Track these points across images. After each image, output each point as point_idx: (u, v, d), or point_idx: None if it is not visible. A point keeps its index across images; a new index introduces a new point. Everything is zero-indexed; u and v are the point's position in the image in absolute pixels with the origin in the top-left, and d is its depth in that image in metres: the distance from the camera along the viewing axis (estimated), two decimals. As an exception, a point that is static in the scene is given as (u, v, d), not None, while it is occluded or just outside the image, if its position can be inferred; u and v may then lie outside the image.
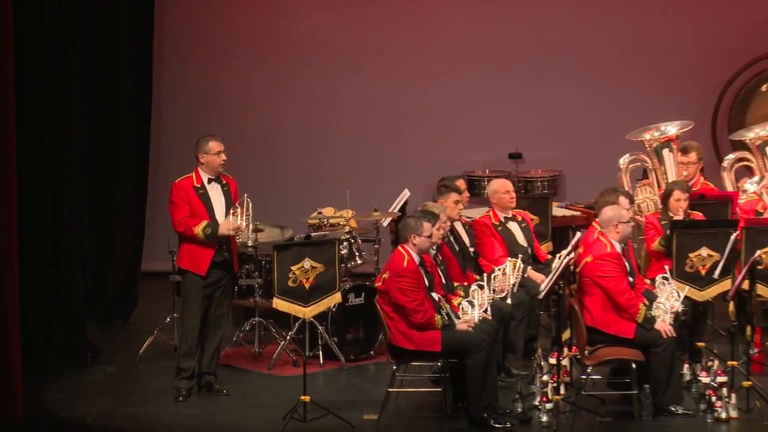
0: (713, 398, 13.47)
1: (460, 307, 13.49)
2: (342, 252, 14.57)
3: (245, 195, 13.92)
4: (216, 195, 14.07)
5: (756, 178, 15.46)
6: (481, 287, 13.70)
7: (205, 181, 14.10)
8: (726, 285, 13.87)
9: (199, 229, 13.89)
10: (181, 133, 17.21)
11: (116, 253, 16.78)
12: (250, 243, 14.11)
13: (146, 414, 13.89)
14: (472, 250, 14.66)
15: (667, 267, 13.97)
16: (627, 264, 13.63)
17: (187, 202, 13.98)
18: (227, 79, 18.56)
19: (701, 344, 14.42)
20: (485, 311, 13.55)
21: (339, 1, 18.57)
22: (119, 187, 16.93)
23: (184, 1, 18.50)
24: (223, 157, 14.08)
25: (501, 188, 15.01)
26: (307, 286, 13.51)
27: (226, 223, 13.81)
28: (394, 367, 13.58)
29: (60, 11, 15.34)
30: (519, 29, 18.39)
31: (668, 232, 14.22)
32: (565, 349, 13.78)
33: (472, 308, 13.48)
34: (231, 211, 13.89)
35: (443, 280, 13.75)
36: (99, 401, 14.25)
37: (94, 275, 16.12)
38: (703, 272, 13.93)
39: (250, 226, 14.00)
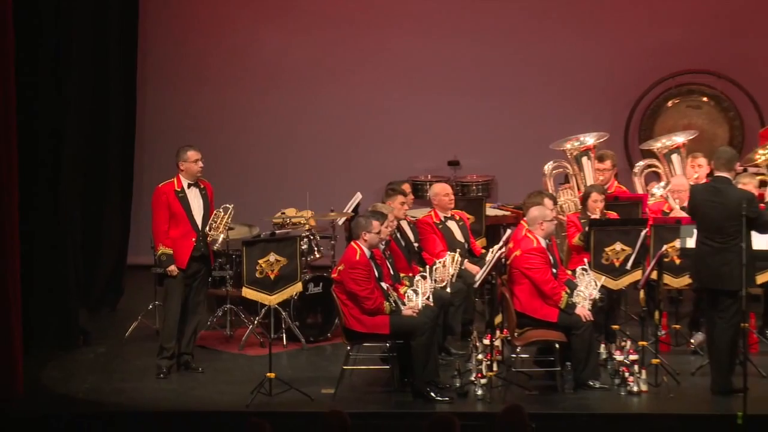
0: (626, 374, 13.55)
1: (406, 295, 13.54)
2: (302, 247, 14.55)
3: (231, 205, 14.05)
4: (194, 198, 14.14)
5: (662, 183, 15.58)
6: (424, 278, 13.80)
7: (185, 186, 14.14)
8: (637, 275, 13.99)
9: (160, 252, 14.04)
10: (162, 142, 17.05)
11: (105, 248, 16.69)
12: (217, 246, 14.16)
13: (131, 389, 13.90)
14: (416, 245, 14.69)
15: (586, 260, 14.06)
16: (551, 257, 13.71)
17: (167, 208, 14.03)
18: (202, 95, 18.50)
19: (615, 327, 14.52)
20: (427, 299, 13.62)
21: (298, 28, 18.43)
22: (107, 189, 16.86)
23: (165, 29, 18.34)
24: (200, 164, 14.14)
25: (441, 191, 15.08)
26: (272, 277, 13.61)
27: (174, 269, 13.95)
28: (348, 348, 13.66)
29: (57, 37, 15.35)
30: (457, 53, 18.33)
31: (587, 229, 14.30)
32: (497, 332, 13.78)
33: (416, 296, 13.54)
34: (212, 218, 14.00)
35: (391, 272, 13.81)
36: (90, 378, 14.26)
37: (85, 268, 16.12)
38: (617, 264, 14.07)
39: (226, 233, 14.15)
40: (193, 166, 14.17)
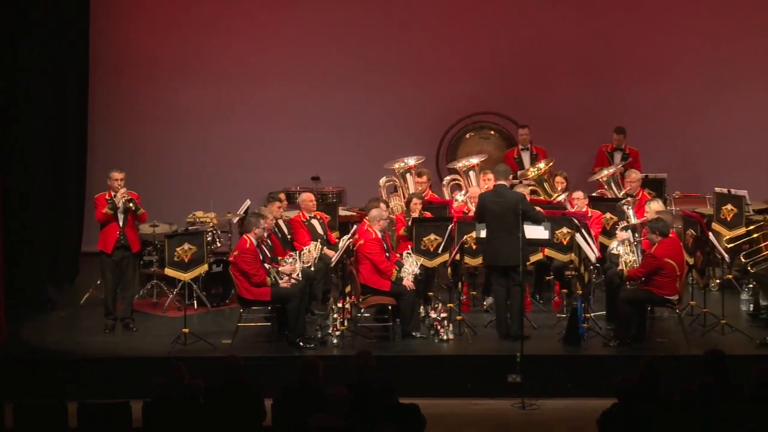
0: (438, 327, 13.65)
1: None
2: (208, 239, 14.40)
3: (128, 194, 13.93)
4: (120, 204, 14.00)
5: (463, 192, 15.57)
6: (295, 260, 13.83)
7: (115, 196, 13.99)
8: (445, 257, 13.97)
9: (106, 209, 13.87)
10: (109, 161, 16.73)
11: (65, 239, 16.41)
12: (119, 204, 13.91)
13: (86, 341, 13.85)
14: (289, 237, 14.62)
15: (409, 246, 14.13)
16: (385, 245, 13.79)
17: (102, 206, 13.92)
18: (138, 130, 18.14)
19: (431, 293, 14.58)
20: (297, 275, 13.64)
21: (203, 81, 18.16)
22: (67, 194, 16.50)
23: (114, 71, 18.06)
24: (119, 183, 13.91)
25: (307, 198, 14.97)
26: (186, 260, 13.59)
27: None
28: (241, 310, 13.72)
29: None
30: (318, 98, 18.11)
31: (410, 224, 14.31)
32: (347, 298, 13.84)
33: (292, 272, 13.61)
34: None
35: (271, 255, 13.78)
36: (55, 333, 14.23)
37: (51, 253, 15.98)
38: (431, 249, 14.05)
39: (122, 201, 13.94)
40: (113, 184, 14.03)
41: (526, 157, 16.92)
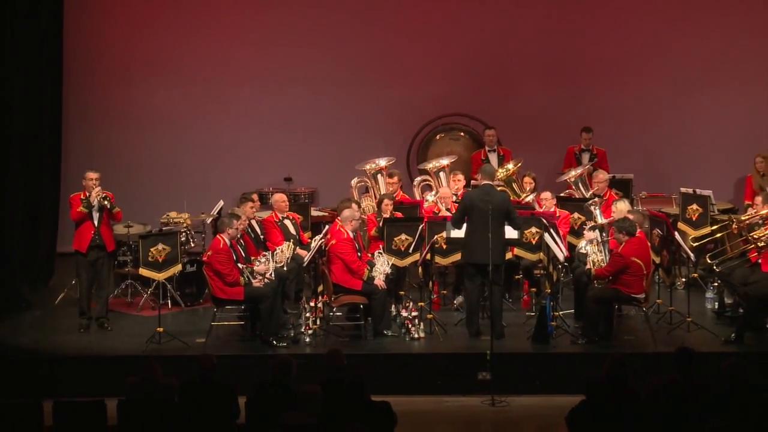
0: (410, 325, 13.65)
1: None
2: (182, 239, 14.42)
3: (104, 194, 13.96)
4: (96, 203, 13.98)
5: (433, 192, 15.57)
6: (268, 260, 13.75)
7: (90, 195, 13.98)
8: (416, 257, 13.99)
9: (81, 207, 13.84)
10: (84, 162, 16.60)
11: (40, 240, 16.37)
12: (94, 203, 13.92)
13: (61, 340, 13.83)
14: (262, 237, 14.59)
15: (381, 246, 14.11)
16: (357, 245, 13.80)
17: (77, 206, 13.89)
18: (113, 133, 18.12)
19: (402, 292, 14.57)
20: (270, 275, 13.60)
21: (178, 83, 18.14)
22: (42, 193, 16.44)
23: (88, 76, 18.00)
24: (93, 183, 13.93)
25: (279, 199, 14.94)
26: (160, 260, 13.54)
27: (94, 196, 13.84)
28: (215, 309, 13.68)
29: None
30: (291, 101, 18.12)
31: (381, 224, 14.30)
32: (320, 297, 13.87)
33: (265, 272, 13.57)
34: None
35: (244, 255, 13.79)
36: (30, 333, 14.20)
37: (26, 254, 15.95)
38: (402, 249, 14.05)
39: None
40: (87, 184, 14.04)
41: (493, 159, 16.96)
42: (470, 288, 13.64)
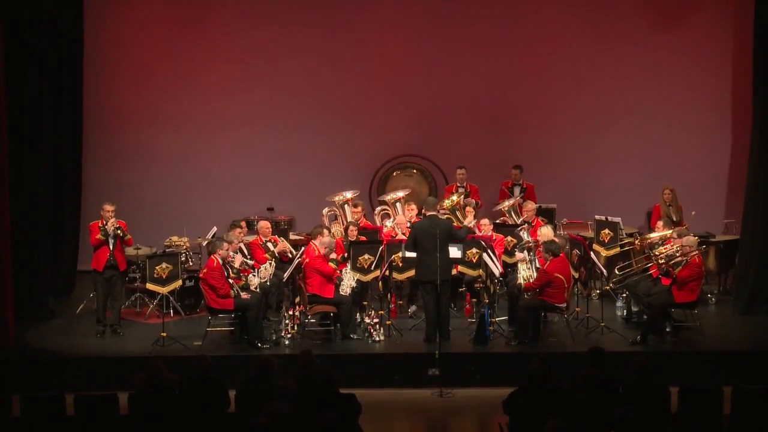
0: (372, 330, 13.67)
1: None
2: (182, 259, 14.39)
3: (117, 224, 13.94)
4: (111, 230, 14.03)
5: (392, 219, 15.47)
6: (255, 276, 13.78)
7: (105, 223, 14.03)
8: (377, 273, 13.96)
9: (99, 235, 13.87)
10: (102, 191, 16.68)
11: (64, 258, 16.18)
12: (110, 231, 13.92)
13: (80, 344, 13.78)
14: (248, 257, 14.44)
15: (348, 264, 14.08)
16: (327, 259, 13.76)
17: (95, 233, 13.92)
18: (125, 169, 17.98)
19: (365, 302, 14.44)
20: (256, 288, 13.62)
21: (180, 127, 18.03)
22: (65, 221, 16.21)
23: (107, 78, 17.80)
24: (110, 214, 13.94)
25: (263, 225, 14.92)
26: (164, 276, 13.58)
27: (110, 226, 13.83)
28: (210, 318, 13.63)
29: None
30: (273, 137, 17.97)
31: (348, 246, 14.25)
32: (297, 306, 13.83)
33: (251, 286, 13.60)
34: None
35: (233, 273, 13.67)
36: (55, 338, 14.11)
37: (52, 270, 15.78)
38: (366, 266, 14.02)
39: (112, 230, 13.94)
40: (104, 214, 14.06)
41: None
42: (427, 299, 13.57)
